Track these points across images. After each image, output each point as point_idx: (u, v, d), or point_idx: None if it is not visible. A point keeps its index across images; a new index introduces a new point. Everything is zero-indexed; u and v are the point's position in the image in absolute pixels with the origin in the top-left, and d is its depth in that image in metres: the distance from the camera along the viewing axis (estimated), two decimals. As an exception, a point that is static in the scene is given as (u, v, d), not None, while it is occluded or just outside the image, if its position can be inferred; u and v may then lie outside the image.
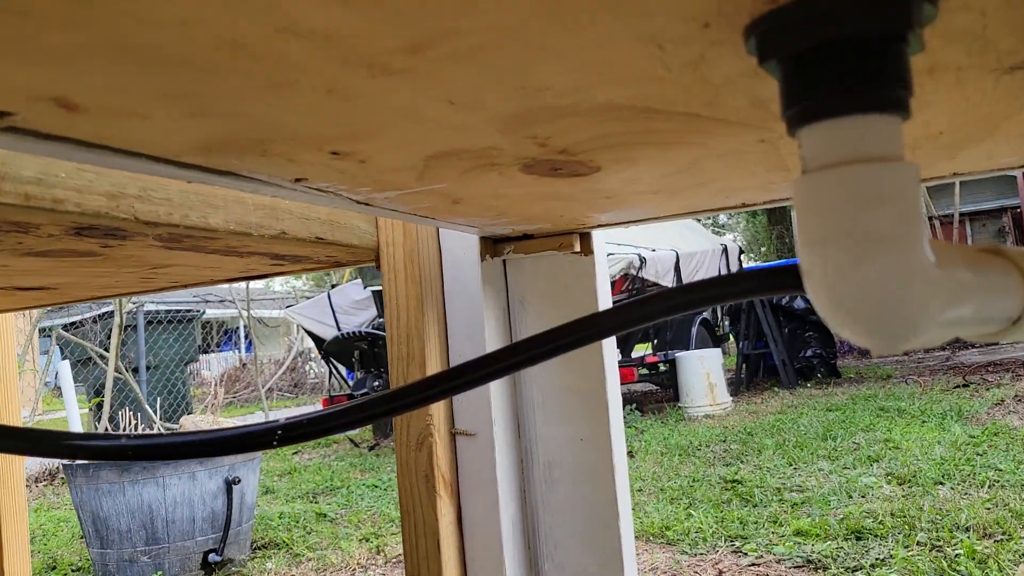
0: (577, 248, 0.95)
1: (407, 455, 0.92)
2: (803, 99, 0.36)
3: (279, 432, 0.61)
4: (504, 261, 1.01)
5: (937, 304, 0.36)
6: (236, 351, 17.54)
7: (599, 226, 0.94)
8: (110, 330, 7.07)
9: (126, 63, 0.35)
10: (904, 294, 0.35)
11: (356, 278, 7.36)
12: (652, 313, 0.60)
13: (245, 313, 8.70)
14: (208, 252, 0.85)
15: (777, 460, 4.20)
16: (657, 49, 0.39)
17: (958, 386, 6.40)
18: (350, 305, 7.27)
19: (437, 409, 0.93)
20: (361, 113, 0.45)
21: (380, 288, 6.44)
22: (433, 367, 0.92)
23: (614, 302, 0.83)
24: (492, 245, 0.97)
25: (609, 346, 0.98)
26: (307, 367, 14.86)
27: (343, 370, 7.23)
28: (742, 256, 9.71)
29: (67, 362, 4.11)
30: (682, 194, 0.81)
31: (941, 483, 3.46)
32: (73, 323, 7.63)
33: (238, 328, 18.55)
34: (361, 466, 5.67)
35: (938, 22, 0.38)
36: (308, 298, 10.05)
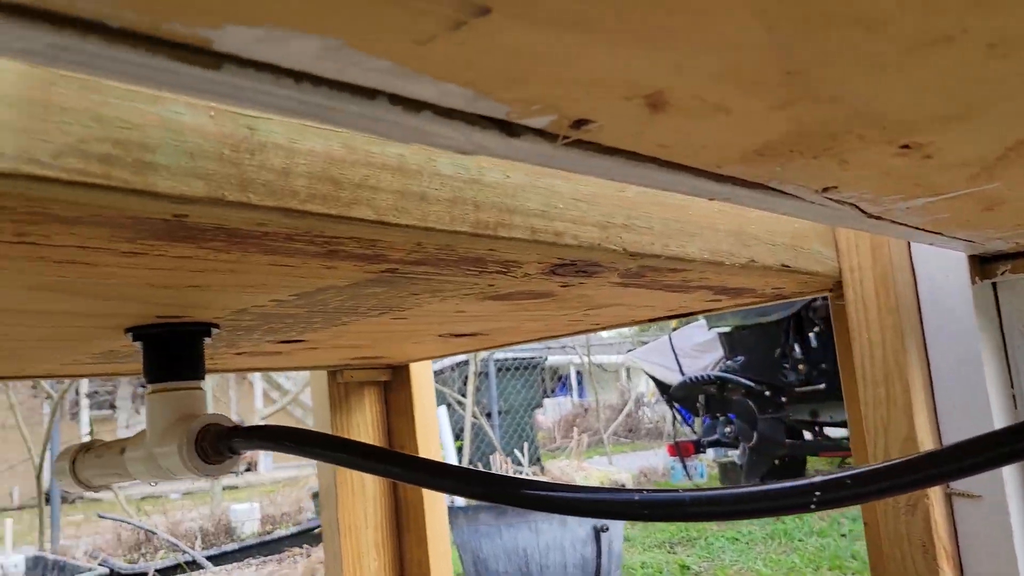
0: (1104, 262, 0.75)
1: (894, 519, 0.77)
2: None
3: (817, 493, 0.50)
4: (994, 284, 0.83)
5: None
6: (569, 396, 18.20)
7: None
8: (466, 377, 7.63)
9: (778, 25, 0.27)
10: None
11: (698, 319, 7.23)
12: None
13: (583, 359, 8.94)
14: (657, 288, 0.79)
15: None
16: None
17: None
18: (692, 348, 7.13)
19: (925, 464, 0.77)
20: (999, 77, 0.34)
21: (727, 330, 6.26)
22: (920, 413, 0.77)
23: None
24: (979, 265, 0.80)
25: None
26: (640, 412, 14.92)
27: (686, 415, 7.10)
28: None
29: (444, 407, 4.47)
30: None
31: None
32: (436, 371, 8.38)
33: (569, 374, 19.30)
34: (713, 515, 5.43)
35: None
36: (644, 343, 10.09)
